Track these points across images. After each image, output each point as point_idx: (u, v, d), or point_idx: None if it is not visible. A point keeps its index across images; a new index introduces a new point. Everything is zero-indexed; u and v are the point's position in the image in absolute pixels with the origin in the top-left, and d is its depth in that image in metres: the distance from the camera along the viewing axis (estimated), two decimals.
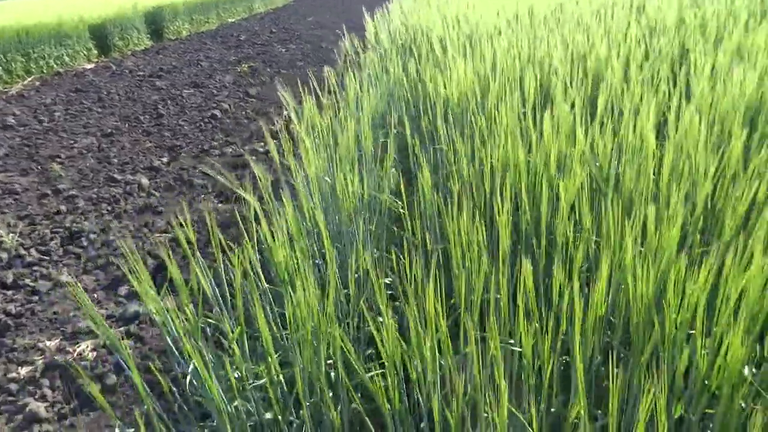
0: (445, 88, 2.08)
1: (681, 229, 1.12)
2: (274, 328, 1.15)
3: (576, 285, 0.89)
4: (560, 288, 0.95)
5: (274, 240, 1.04)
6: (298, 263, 1.00)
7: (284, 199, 1.19)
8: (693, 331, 0.86)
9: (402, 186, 1.48)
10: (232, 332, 1.01)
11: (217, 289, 1.18)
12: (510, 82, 2.16)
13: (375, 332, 0.86)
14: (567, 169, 1.39)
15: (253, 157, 3.96)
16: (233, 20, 13.43)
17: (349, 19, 11.26)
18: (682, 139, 1.41)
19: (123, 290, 2.42)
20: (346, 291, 1.25)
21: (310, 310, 0.98)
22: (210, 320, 1.21)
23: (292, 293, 1.00)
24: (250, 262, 1.12)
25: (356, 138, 1.86)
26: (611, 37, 2.60)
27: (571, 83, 2.17)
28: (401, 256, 1.60)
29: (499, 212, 1.07)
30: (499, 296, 0.99)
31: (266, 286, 1.13)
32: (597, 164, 1.53)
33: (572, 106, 2.06)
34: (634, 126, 1.58)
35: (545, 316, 0.91)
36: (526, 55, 2.34)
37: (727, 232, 1.06)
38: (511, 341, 0.96)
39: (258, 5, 15.53)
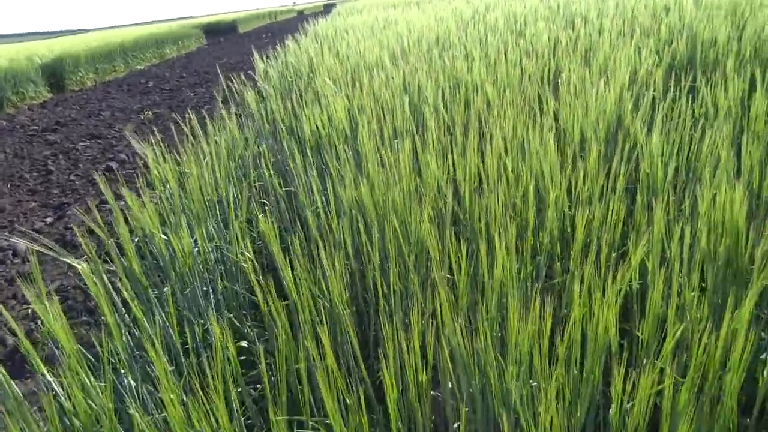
0: (314, 124, 1.98)
1: (536, 258, 1.04)
2: None
3: (412, 345, 0.77)
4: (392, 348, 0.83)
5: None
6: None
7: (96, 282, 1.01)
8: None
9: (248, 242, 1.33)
10: None
11: None
12: (386, 112, 2.08)
13: None
14: (423, 203, 1.29)
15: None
16: (142, 67, 13.02)
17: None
18: (535, 160, 1.36)
19: None
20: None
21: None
22: None
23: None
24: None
25: (215, 185, 1.70)
26: (489, 62, 2.61)
27: (445, 108, 2.12)
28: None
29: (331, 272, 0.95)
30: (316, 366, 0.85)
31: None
32: (459, 195, 1.44)
33: (448, 131, 2.01)
34: (497, 150, 1.52)
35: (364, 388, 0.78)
36: (401, 84, 2.29)
37: (575, 258, 0.99)
38: (328, 421, 0.82)
39: (169, 50, 15.19)
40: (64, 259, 1.34)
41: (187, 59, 13.79)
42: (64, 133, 6.54)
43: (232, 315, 1.31)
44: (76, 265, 1.39)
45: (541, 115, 1.88)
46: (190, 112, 2.33)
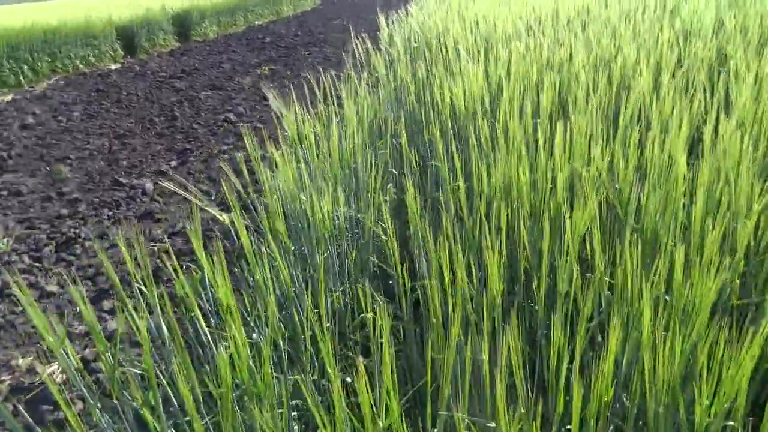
0: (450, 93, 1.89)
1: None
2: None
3: (578, 356, 0.69)
4: (559, 354, 0.75)
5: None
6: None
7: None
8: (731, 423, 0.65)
9: (382, 210, 1.29)
10: None
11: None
12: (525, 89, 1.95)
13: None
14: (579, 193, 1.18)
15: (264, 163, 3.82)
16: (260, 23, 13.46)
17: (375, 21, 11.13)
18: (720, 158, 1.19)
19: (107, 305, 2.29)
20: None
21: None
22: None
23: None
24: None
25: (351, 150, 1.68)
26: (640, 41, 2.36)
27: (594, 91, 1.95)
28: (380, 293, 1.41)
29: (486, 251, 0.88)
30: (480, 359, 0.79)
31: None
32: (616, 187, 1.31)
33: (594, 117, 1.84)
34: (663, 142, 1.36)
35: (534, 396, 0.71)
36: (545, 59, 2.13)
37: None
38: (491, 425, 0.77)
39: (285, 8, 15.56)
40: (209, 209, 1.38)
41: (302, 18, 14.07)
42: (189, 81, 6.93)
43: (363, 285, 1.30)
44: (218, 216, 1.42)
45: (712, 106, 1.67)
46: (321, 71, 2.33)
